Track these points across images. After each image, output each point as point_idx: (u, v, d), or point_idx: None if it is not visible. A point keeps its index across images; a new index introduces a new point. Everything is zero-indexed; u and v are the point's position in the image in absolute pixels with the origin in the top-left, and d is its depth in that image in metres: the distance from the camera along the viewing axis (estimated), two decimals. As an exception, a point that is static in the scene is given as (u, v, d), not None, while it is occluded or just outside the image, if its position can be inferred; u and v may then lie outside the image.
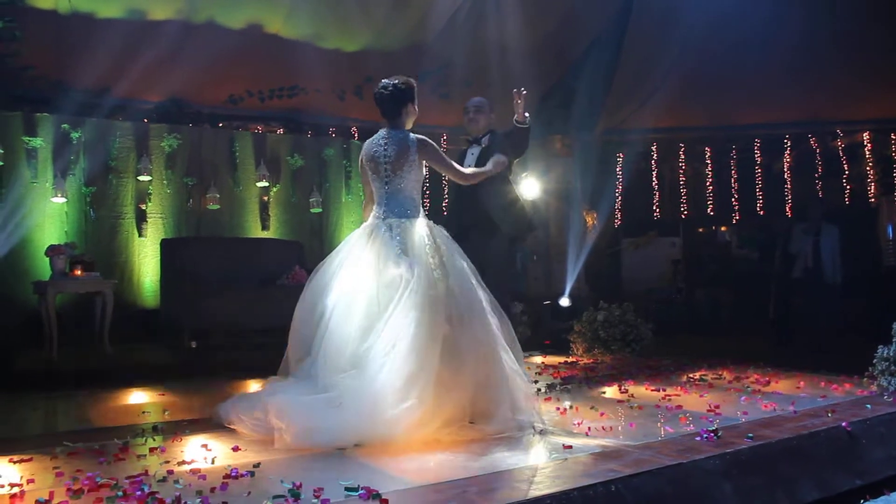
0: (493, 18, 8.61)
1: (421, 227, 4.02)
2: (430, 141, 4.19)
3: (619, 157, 11.40)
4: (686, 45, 9.16)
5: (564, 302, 9.12)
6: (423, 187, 4.32)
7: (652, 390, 5.03)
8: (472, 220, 5.09)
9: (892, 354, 4.81)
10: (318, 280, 4.08)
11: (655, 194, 11.64)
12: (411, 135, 4.15)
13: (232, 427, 3.82)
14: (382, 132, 4.22)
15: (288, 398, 3.68)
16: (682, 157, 11.61)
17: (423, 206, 4.38)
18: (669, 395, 4.77)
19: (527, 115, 4.98)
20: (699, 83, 9.69)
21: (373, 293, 3.84)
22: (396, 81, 4.19)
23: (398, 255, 3.87)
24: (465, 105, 5.54)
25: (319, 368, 3.78)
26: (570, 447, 3.35)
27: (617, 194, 11.37)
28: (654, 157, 11.61)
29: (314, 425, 3.49)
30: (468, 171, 4.48)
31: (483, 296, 3.96)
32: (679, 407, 4.33)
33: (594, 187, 10.52)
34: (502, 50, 8.55)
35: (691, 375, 5.69)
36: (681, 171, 11.62)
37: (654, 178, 11.64)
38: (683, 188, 11.58)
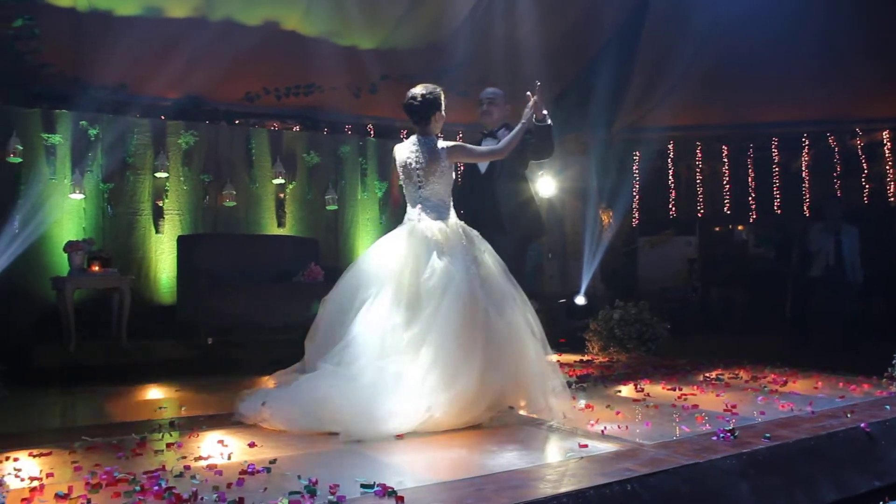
0: (510, 16, 8.58)
1: (454, 228, 4.25)
2: (457, 143, 4.44)
3: (636, 155, 11.35)
4: (703, 42, 9.10)
5: (580, 300, 9.10)
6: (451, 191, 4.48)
7: (668, 389, 5.01)
8: (483, 219, 4.90)
9: (911, 355, 4.78)
10: (353, 275, 4.28)
11: (672, 193, 11.58)
12: (440, 143, 4.35)
13: (262, 425, 3.83)
14: (413, 139, 4.43)
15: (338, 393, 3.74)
16: (699, 155, 11.54)
17: None
18: (685, 395, 4.76)
19: (545, 112, 4.79)
20: (717, 81, 9.63)
21: (414, 289, 4.02)
22: (424, 92, 4.40)
23: (437, 254, 4.07)
24: (479, 97, 5.41)
25: (354, 355, 3.87)
26: (586, 446, 3.35)
27: (633, 193, 11.32)
28: (671, 155, 11.54)
29: (367, 412, 3.62)
30: (499, 146, 4.53)
31: (514, 290, 4.20)
32: (695, 406, 4.31)
33: (610, 186, 10.48)
34: (519, 48, 8.53)
35: (707, 375, 5.67)
36: (697, 170, 11.55)
37: (670, 177, 11.58)
38: (700, 187, 11.52)
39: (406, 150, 4.41)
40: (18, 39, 7.12)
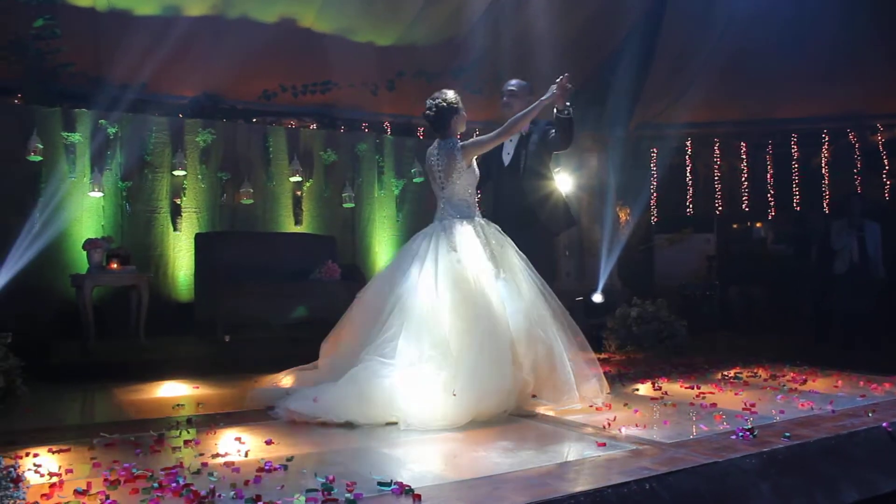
0: (527, 12, 8.55)
1: (470, 226, 4.43)
2: (469, 141, 4.58)
3: (653, 152, 11.28)
4: (722, 38, 9.03)
5: (597, 298, 9.06)
6: (475, 189, 4.66)
7: (686, 388, 4.97)
8: (511, 213, 4.96)
9: (934, 353, 4.71)
10: (387, 273, 4.58)
11: (689, 190, 11.50)
12: (457, 143, 4.54)
13: (312, 421, 3.86)
14: (436, 143, 4.65)
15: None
16: (717, 152, 11.46)
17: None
18: (704, 393, 4.72)
19: (568, 104, 4.76)
20: (735, 77, 9.55)
21: (431, 286, 4.19)
22: (439, 101, 4.58)
23: (448, 251, 4.27)
24: (501, 88, 5.36)
25: (397, 350, 4.02)
26: (604, 444, 3.32)
27: (651, 190, 11.25)
28: (689, 152, 11.47)
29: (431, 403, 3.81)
30: (508, 123, 4.58)
31: (538, 285, 4.39)
32: (714, 405, 4.28)
33: (628, 183, 10.43)
34: (535, 44, 8.49)
35: (726, 373, 5.62)
36: (715, 167, 11.47)
37: (688, 174, 11.50)
38: (718, 184, 11.44)
39: (429, 154, 4.66)
40: (39, 39, 7.20)
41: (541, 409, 4.13)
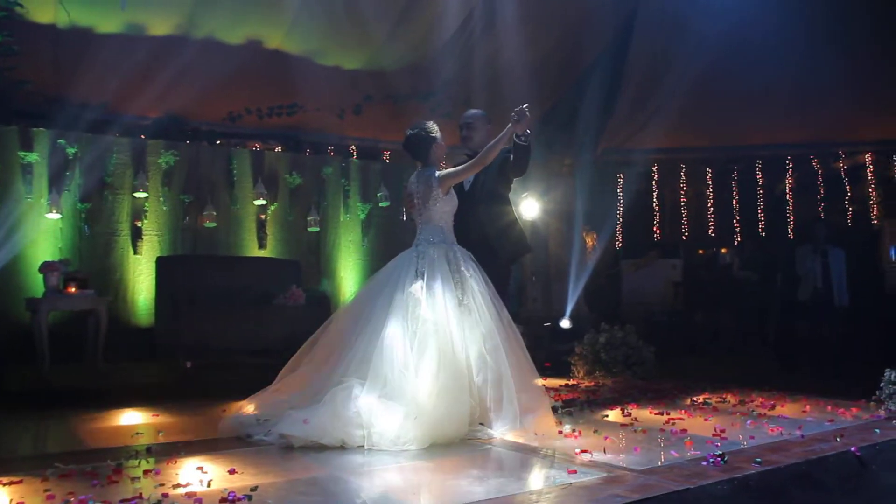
0: (495, 38, 8.63)
1: (442, 252, 4.54)
2: (445, 171, 4.73)
3: (620, 177, 11.41)
4: (687, 66, 9.19)
5: (565, 324, 9.08)
6: (452, 216, 4.75)
7: (655, 414, 4.98)
8: (466, 240, 4.86)
9: (899, 378, 4.78)
10: (361, 296, 4.71)
11: (656, 215, 11.64)
12: (435, 172, 4.68)
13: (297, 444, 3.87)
14: (416, 171, 4.80)
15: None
16: (683, 178, 11.62)
17: None
18: (673, 419, 4.73)
19: (528, 131, 4.78)
20: (700, 104, 9.71)
21: (398, 311, 4.27)
22: (418, 130, 4.75)
23: (417, 278, 4.39)
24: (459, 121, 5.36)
25: (374, 371, 4.10)
26: (575, 472, 3.31)
27: (617, 215, 11.36)
28: (655, 177, 11.62)
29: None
30: (481, 154, 4.67)
31: (498, 313, 4.46)
32: (684, 431, 4.29)
33: (594, 208, 10.51)
34: (504, 69, 8.58)
35: (695, 399, 5.65)
36: (682, 193, 11.62)
37: (654, 199, 11.64)
38: (684, 209, 11.59)
39: (410, 182, 4.80)
40: (-4, 56, 7.06)
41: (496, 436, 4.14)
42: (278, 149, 9.38)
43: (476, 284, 4.47)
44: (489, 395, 4.21)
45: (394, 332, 4.17)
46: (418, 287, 4.32)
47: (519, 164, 4.95)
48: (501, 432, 4.14)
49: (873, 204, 10.76)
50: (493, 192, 5.14)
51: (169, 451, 3.82)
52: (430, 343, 4.13)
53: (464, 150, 5.26)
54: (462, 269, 4.50)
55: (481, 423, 4.19)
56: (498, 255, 5.09)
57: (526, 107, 4.65)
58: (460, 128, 5.26)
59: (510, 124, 4.63)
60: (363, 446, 3.82)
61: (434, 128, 4.76)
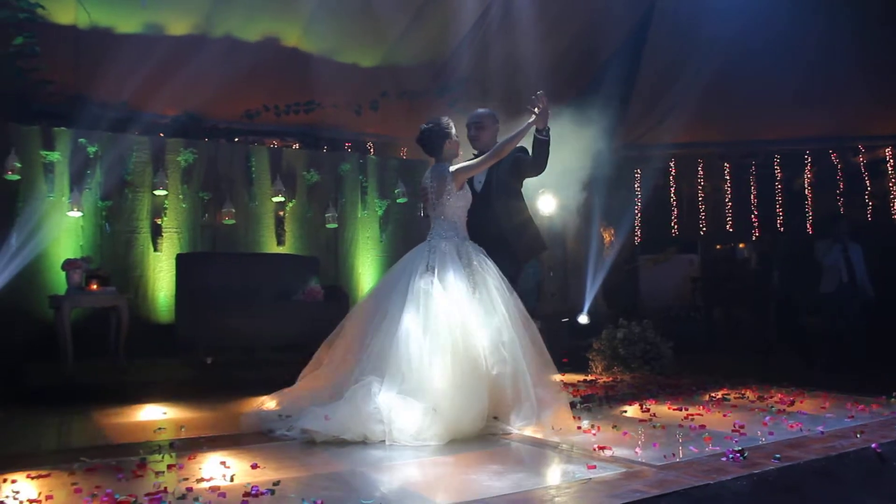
0: (511, 34, 8.63)
1: (453, 246, 4.55)
2: (459, 166, 4.70)
3: (637, 173, 11.37)
4: (704, 60, 9.15)
5: (583, 319, 9.08)
6: (465, 212, 4.74)
7: (674, 409, 4.98)
8: (482, 240, 4.80)
9: (920, 374, 4.76)
10: (376, 289, 4.76)
11: (674, 211, 11.59)
12: (449, 167, 4.67)
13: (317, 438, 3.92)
14: (431, 166, 4.79)
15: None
16: (701, 173, 11.57)
17: None
18: (692, 415, 4.73)
19: (548, 126, 4.76)
20: (718, 99, 9.67)
21: (411, 306, 4.28)
22: (431, 125, 4.74)
23: (427, 273, 4.40)
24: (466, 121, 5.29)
25: (394, 367, 4.14)
26: (594, 467, 3.32)
27: (635, 211, 11.33)
28: (672, 173, 11.57)
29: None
30: (497, 146, 4.66)
31: (513, 306, 4.44)
32: (702, 427, 4.29)
33: (612, 203, 10.49)
34: (519, 65, 8.57)
35: (713, 394, 5.64)
36: (699, 188, 11.58)
37: (672, 195, 11.60)
38: (702, 204, 11.54)
39: (424, 177, 4.80)
40: (19, 57, 7.14)
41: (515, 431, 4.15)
42: (296, 146, 9.43)
43: (490, 278, 4.48)
44: (506, 390, 4.20)
45: (408, 328, 4.19)
46: (429, 281, 4.35)
47: (538, 160, 4.92)
48: (519, 427, 4.14)
49: (893, 198, 10.66)
50: (507, 190, 5.11)
51: (191, 446, 3.87)
52: (444, 338, 4.15)
53: (471, 150, 5.19)
54: (474, 262, 4.51)
55: (496, 418, 4.19)
56: (514, 252, 5.07)
57: (543, 96, 4.64)
58: (468, 127, 5.20)
59: (531, 118, 4.64)
60: (384, 441, 3.86)
61: (449, 123, 4.76)
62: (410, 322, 4.20)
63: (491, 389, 4.16)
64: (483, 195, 5.07)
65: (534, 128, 4.75)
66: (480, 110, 5.28)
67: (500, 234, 5.03)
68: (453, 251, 4.51)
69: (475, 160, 4.78)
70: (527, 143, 4.92)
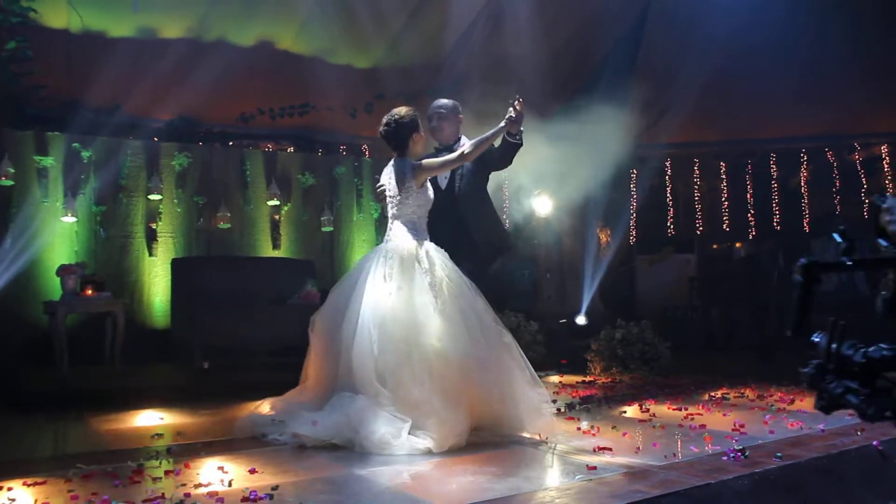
0: (507, 34, 8.63)
1: (412, 251, 4.24)
2: (420, 162, 4.44)
3: (633, 173, 11.37)
4: (700, 60, 9.15)
5: (580, 320, 9.07)
6: (426, 212, 4.48)
7: (673, 409, 4.97)
8: (446, 238, 4.57)
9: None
10: (336, 295, 4.41)
11: (670, 210, 11.59)
12: (409, 162, 4.41)
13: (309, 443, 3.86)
14: (391, 162, 4.52)
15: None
16: (697, 172, 11.57)
17: None
18: (692, 415, 4.72)
19: (521, 129, 4.66)
20: (713, 98, 9.67)
21: (368, 317, 4.04)
22: (396, 116, 4.43)
23: (385, 278, 4.13)
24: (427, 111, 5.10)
25: (360, 382, 3.96)
26: (595, 468, 3.30)
27: (631, 211, 11.33)
28: (669, 172, 11.57)
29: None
30: (466, 148, 4.47)
31: (482, 311, 4.20)
32: (703, 426, 4.28)
33: (608, 203, 10.48)
34: (516, 65, 8.56)
35: (713, 394, 5.63)
36: (696, 187, 11.58)
37: (668, 194, 11.60)
38: (698, 204, 11.54)
39: (385, 173, 4.56)
40: (11, 62, 7.11)
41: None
42: (291, 149, 9.41)
43: (453, 284, 4.21)
44: (484, 399, 4.02)
45: (371, 341, 3.96)
46: (386, 292, 4.08)
47: (505, 158, 4.84)
48: (501, 433, 4.04)
49: (890, 195, 10.68)
50: (473, 186, 4.99)
51: (189, 451, 3.84)
52: (411, 350, 3.92)
53: (432, 142, 5.05)
54: (437, 268, 4.22)
55: (476, 429, 4.02)
56: (480, 252, 4.93)
57: (520, 101, 4.53)
58: (429, 118, 5.01)
59: (503, 122, 4.50)
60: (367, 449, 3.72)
61: (414, 114, 4.48)
62: (373, 335, 3.97)
63: (467, 400, 3.95)
64: (447, 192, 4.92)
65: (505, 132, 4.61)
66: (443, 101, 5.07)
67: (467, 233, 4.90)
68: (412, 256, 4.22)
69: (440, 158, 4.54)
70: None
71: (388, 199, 4.46)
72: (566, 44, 9.20)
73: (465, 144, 4.54)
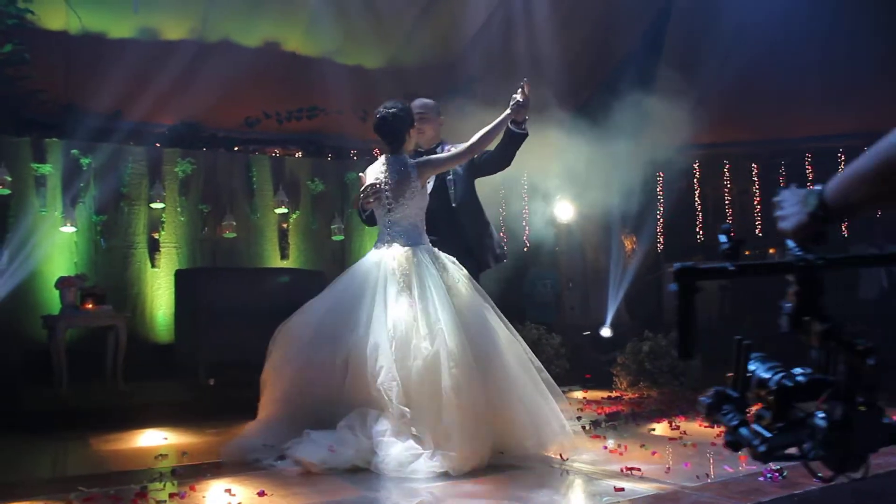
0: (523, 32, 8.63)
1: (425, 254, 4.19)
2: (425, 159, 4.40)
3: (659, 176, 11.32)
4: (727, 56, 9.12)
5: (605, 332, 9.02)
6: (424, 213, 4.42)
7: (705, 427, 4.91)
8: (444, 244, 4.52)
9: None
10: (330, 307, 4.35)
11: (699, 215, 11.53)
12: (410, 160, 4.32)
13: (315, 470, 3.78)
14: (382, 158, 4.41)
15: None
16: (727, 174, 11.51)
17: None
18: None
19: (527, 118, 4.52)
20: (743, 95, 9.63)
21: (383, 330, 3.97)
22: (394, 109, 4.34)
23: (399, 292, 4.04)
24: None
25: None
26: (622, 489, 3.29)
27: (658, 216, 11.28)
28: (697, 175, 11.52)
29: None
30: (471, 142, 4.36)
31: (495, 319, 4.18)
32: (737, 444, 4.23)
33: (633, 208, 10.44)
34: (532, 64, 8.56)
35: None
36: (725, 190, 11.52)
37: (696, 199, 11.55)
38: (728, 208, 11.48)
39: (376, 171, 4.40)
40: (7, 65, 7.18)
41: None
42: (299, 154, 9.43)
43: (465, 291, 4.18)
44: (504, 415, 3.97)
45: (388, 361, 3.87)
46: (406, 307, 4.00)
47: (507, 154, 4.71)
48: (526, 453, 3.99)
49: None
50: (467, 190, 4.92)
51: (194, 472, 3.86)
52: (436, 367, 3.84)
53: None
54: (452, 275, 4.18)
55: (501, 453, 3.96)
56: (476, 260, 4.82)
57: (527, 83, 4.40)
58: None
59: (507, 110, 4.37)
60: (383, 471, 3.70)
61: (410, 108, 4.44)
62: (393, 353, 3.89)
63: (489, 419, 3.89)
64: (440, 195, 4.77)
65: (510, 122, 4.49)
66: (423, 100, 4.98)
67: (464, 240, 4.81)
68: (423, 265, 4.13)
69: (445, 154, 4.46)
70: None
71: (382, 201, 4.29)
72: (586, 40, 9.19)
73: (472, 140, 4.40)
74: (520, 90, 4.42)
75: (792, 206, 1.39)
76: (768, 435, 1.16)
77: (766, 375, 1.22)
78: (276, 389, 4.31)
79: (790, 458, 1.16)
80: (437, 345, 3.89)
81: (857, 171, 1.27)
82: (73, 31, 7.54)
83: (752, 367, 1.24)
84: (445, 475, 3.65)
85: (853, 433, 1.11)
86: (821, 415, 1.11)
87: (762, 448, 1.14)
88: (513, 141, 4.61)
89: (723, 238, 1.27)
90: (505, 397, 4.00)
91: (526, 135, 4.60)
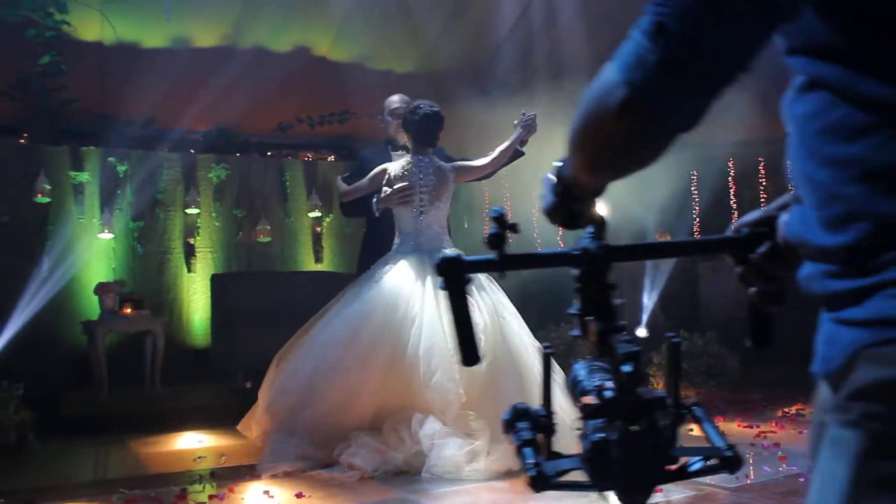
0: (554, 32, 8.60)
1: None
2: (461, 163, 4.43)
3: (694, 174, 11.23)
4: (764, 49, 9.03)
5: (641, 332, 8.97)
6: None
7: (744, 427, 4.89)
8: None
9: None
10: (375, 322, 4.27)
11: (734, 214, 11.42)
12: (443, 163, 4.33)
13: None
14: (408, 158, 4.33)
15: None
16: (763, 172, 11.39)
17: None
18: (764, 433, 4.64)
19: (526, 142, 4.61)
20: (778, 89, 9.51)
21: (441, 328, 3.95)
22: (426, 108, 4.30)
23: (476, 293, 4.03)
24: (383, 109, 5.08)
25: None
26: (661, 490, 3.26)
27: (693, 215, 11.19)
28: (732, 173, 11.41)
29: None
30: (496, 154, 4.39)
31: (521, 325, 4.19)
32: (776, 445, 4.21)
33: (668, 208, 10.37)
34: (564, 66, 8.54)
35: (786, 410, 5.53)
36: (761, 188, 11.39)
37: (732, 197, 11.43)
38: (764, 206, 11.36)
39: (408, 169, 4.31)
40: (45, 76, 7.32)
41: None
42: (331, 158, 9.49)
43: (494, 296, 4.20)
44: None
45: (448, 366, 3.88)
46: (480, 307, 4.02)
47: (500, 167, 4.75)
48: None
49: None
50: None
51: (233, 475, 3.91)
52: (493, 369, 3.90)
53: (391, 143, 5.02)
54: (484, 282, 4.18)
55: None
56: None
57: (534, 116, 4.50)
58: (389, 115, 5.05)
59: (520, 129, 4.44)
60: (427, 473, 3.74)
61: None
62: (454, 357, 3.86)
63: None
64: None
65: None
66: (400, 96, 5.07)
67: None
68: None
69: (475, 162, 4.47)
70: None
71: (414, 202, 4.26)
72: (619, 38, 9.14)
73: (495, 152, 4.47)
74: (532, 115, 4.51)
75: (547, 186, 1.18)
76: (537, 460, 0.93)
77: (585, 387, 0.98)
78: (313, 398, 4.33)
79: (568, 486, 0.92)
80: (494, 344, 3.92)
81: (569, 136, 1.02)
82: (108, 41, 7.66)
83: (579, 375, 1.02)
84: (502, 476, 3.66)
85: (613, 459, 0.87)
86: (595, 436, 0.88)
87: (531, 473, 0.90)
88: (512, 157, 4.70)
89: (495, 226, 1.03)
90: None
91: (523, 154, 4.69)
